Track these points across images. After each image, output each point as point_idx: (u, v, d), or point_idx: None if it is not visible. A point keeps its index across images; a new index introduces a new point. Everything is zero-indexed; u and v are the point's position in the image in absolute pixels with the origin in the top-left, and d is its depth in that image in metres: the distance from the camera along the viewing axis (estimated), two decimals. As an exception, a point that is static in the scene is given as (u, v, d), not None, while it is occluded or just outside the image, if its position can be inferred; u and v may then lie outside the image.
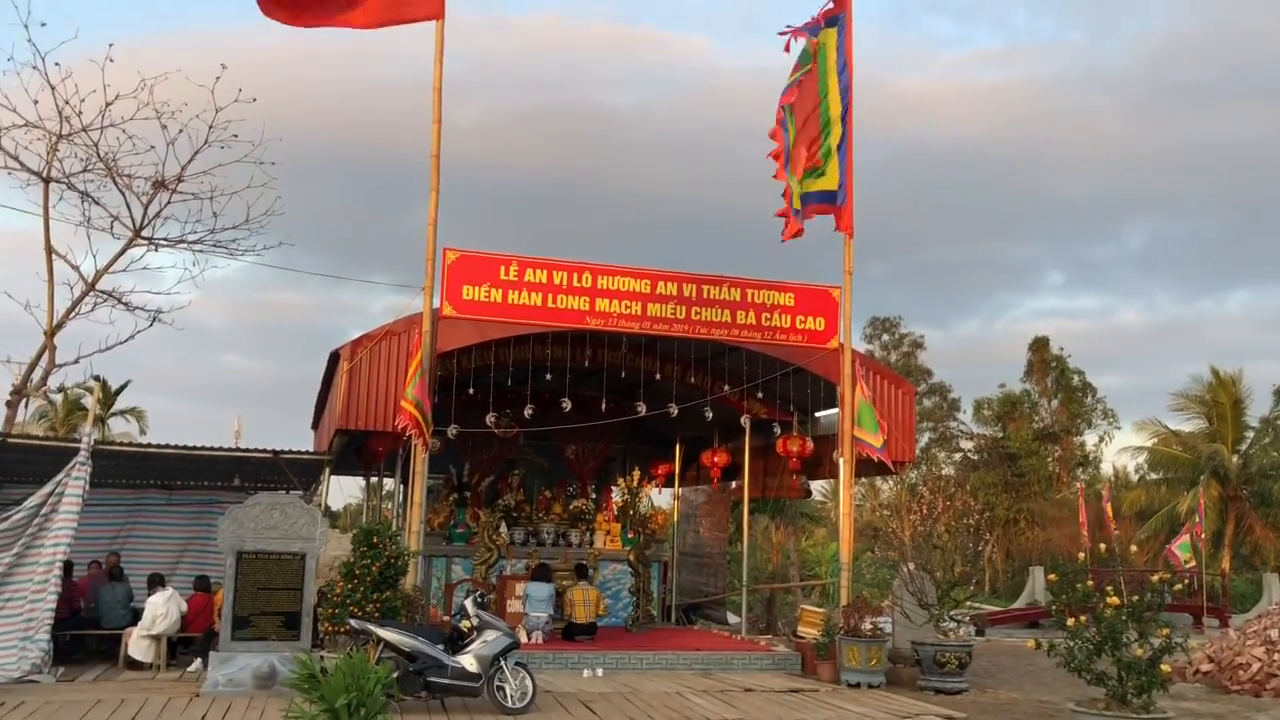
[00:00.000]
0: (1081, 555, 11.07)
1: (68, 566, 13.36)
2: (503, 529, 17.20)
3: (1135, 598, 9.93)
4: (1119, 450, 43.95)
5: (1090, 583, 10.28)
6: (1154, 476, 39.00)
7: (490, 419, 15.67)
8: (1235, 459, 34.89)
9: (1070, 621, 10.09)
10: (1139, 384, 71.66)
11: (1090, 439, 44.70)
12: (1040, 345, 44.61)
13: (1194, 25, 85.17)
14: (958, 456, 45.21)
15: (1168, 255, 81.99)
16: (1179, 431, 37.57)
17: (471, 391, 15.40)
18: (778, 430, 17.26)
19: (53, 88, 16.56)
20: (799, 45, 14.88)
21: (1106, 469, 45.22)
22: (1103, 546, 12.85)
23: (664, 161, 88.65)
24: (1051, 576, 10.96)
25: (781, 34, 14.86)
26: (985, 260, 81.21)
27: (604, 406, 16.00)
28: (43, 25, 17.48)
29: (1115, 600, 9.84)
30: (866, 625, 13.71)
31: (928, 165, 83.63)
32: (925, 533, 14.54)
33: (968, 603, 14.70)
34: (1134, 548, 22.20)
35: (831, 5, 15.32)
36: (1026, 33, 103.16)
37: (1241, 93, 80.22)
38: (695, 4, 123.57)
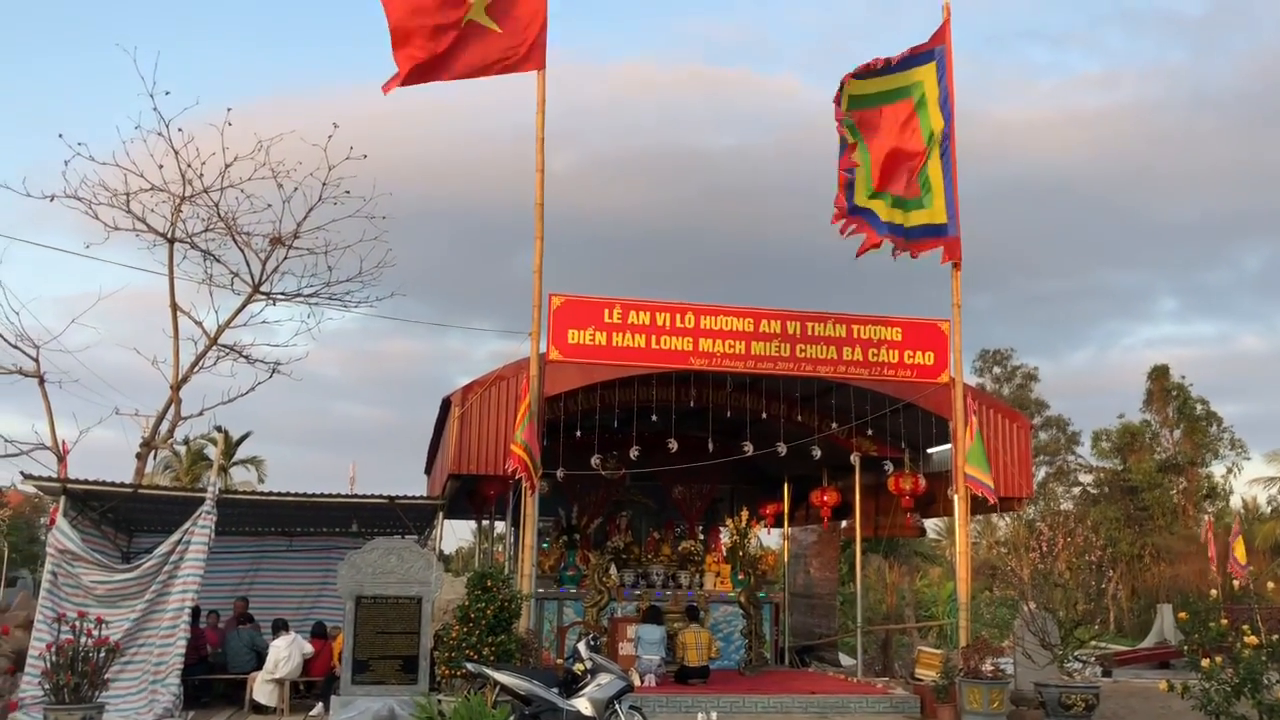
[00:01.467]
0: (1213, 592, 10.59)
1: (195, 612, 13.81)
2: (612, 571, 17.21)
3: (1275, 636, 9.49)
4: (1249, 481, 41.96)
5: (1224, 621, 9.86)
6: (1288, 509, 37.31)
7: (596, 461, 15.74)
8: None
9: (1205, 662, 9.69)
10: (1265, 412, 68.67)
11: (1217, 470, 42.96)
12: (1160, 374, 43.16)
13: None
14: (1076, 490, 43.85)
15: (1289, 277, 78.44)
16: (1314, 461, 35.92)
17: (578, 434, 15.51)
18: (889, 468, 16.96)
19: (176, 152, 17.32)
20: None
21: (1236, 501, 43.35)
22: (1236, 583, 12.33)
23: (762, 200, 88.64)
24: (1182, 615, 10.55)
25: (872, 64, 14.87)
26: (1095, 289, 78.92)
27: (710, 446, 15.94)
28: (167, 94, 18.19)
29: (1254, 639, 9.41)
30: (987, 666, 13.32)
31: (1029, 194, 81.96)
32: (1045, 570, 14.10)
33: (1093, 642, 14.17)
34: (1270, 584, 21.17)
35: (929, 40, 15.26)
36: (1126, 56, 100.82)
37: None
38: (783, 43, 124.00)
